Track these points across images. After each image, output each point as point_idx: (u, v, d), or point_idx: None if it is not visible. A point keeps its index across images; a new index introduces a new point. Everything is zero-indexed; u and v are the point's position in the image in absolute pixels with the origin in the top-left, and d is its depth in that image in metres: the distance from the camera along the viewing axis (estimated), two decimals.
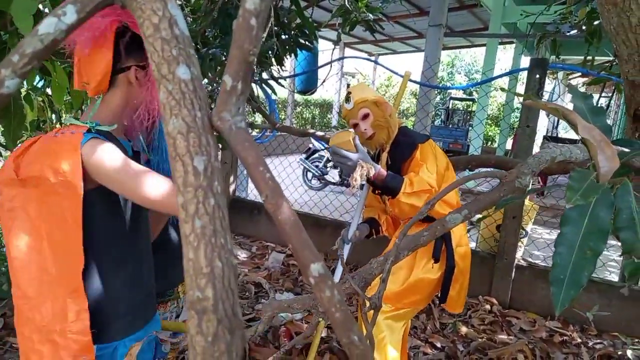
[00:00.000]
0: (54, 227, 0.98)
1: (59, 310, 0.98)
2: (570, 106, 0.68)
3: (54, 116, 2.98)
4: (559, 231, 0.43)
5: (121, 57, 1.02)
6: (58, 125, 3.04)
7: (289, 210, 0.27)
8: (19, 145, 1.09)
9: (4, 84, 0.28)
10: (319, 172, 7.64)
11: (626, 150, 0.59)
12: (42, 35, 0.28)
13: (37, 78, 2.34)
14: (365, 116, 1.86)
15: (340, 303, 0.27)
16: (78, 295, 0.98)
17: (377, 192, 1.98)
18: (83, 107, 2.58)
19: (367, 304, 0.60)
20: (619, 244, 0.47)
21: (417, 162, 1.81)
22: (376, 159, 1.94)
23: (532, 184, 6.11)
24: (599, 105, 0.62)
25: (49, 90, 2.72)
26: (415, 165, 1.81)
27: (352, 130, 1.78)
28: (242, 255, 4.11)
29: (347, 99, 1.90)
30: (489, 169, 0.70)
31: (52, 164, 0.95)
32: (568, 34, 3.18)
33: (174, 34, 0.28)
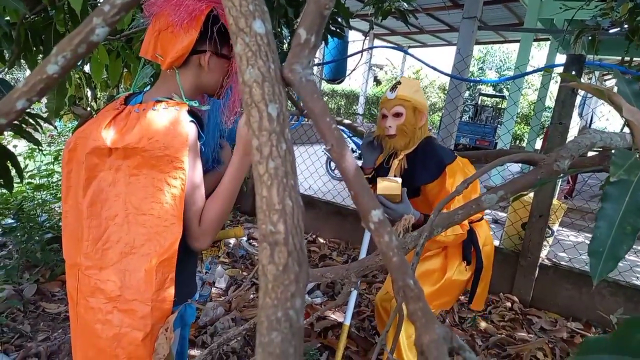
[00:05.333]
0: (147, 199, 0.98)
1: (140, 280, 0.98)
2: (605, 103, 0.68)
3: (89, 93, 3.08)
4: (600, 206, 0.44)
5: (202, 40, 1.05)
6: (94, 103, 3.14)
7: (351, 159, 0.29)
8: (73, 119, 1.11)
9: (94, 32, 0.31)
10: None
11: None
12: None
13: None
14: (398, 115, 1.79)
15: (398, 248, 0.29)
16: (168, 264, 0.99)
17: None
18: (120, 86, 2.66)
19: None
20: None
21: (446, 193, 1.70)
22: (389, 159, 1.92)
23: (561, 184, 5.99)
24: None
25: (86, 68, 2.81)
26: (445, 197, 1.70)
27: (399, 180, 1.65)
28: None
29: (394, 88, 1.83)
30: (527, 153, 0.70)
31: (159, 137, 0.97)
32: (608, 31, 3.09)
33: None
